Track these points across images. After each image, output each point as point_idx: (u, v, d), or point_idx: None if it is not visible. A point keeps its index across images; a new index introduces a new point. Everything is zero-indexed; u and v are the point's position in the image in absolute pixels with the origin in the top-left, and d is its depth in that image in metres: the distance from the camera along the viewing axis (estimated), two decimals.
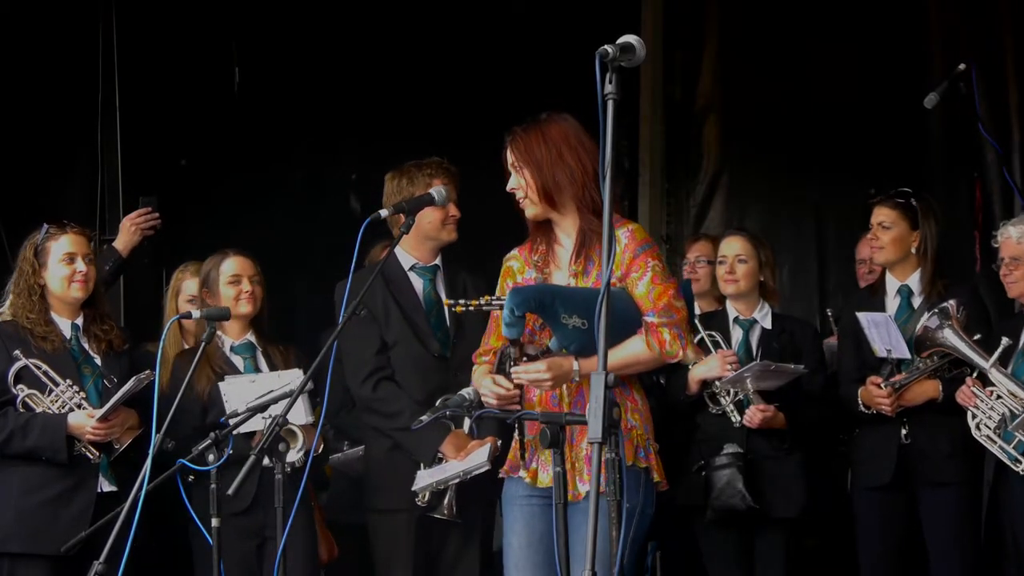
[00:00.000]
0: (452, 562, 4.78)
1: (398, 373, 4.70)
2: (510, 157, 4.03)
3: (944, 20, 6.69)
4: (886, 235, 5.07)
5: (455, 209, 4.79)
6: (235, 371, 4.84)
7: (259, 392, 4.35)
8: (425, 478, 4.57)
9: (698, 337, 5.04)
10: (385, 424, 4.73)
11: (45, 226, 4.71)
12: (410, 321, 4.78)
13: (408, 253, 4.85)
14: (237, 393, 4.54)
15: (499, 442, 4.52)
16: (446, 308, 4.78)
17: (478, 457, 4.46)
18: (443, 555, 4.78)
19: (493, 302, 4.06)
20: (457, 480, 4.53)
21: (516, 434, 3.96)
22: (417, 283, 4.86)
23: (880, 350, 5.00)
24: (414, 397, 4.70)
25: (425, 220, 4.63)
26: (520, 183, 3.99)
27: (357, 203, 6.81)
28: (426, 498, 4.62)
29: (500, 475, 4.12)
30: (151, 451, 3.79)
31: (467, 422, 4.64)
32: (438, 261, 4.90)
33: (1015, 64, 6.58)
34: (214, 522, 4.27)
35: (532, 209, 4.02)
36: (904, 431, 4.96)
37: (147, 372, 4.44)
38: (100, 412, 4.49)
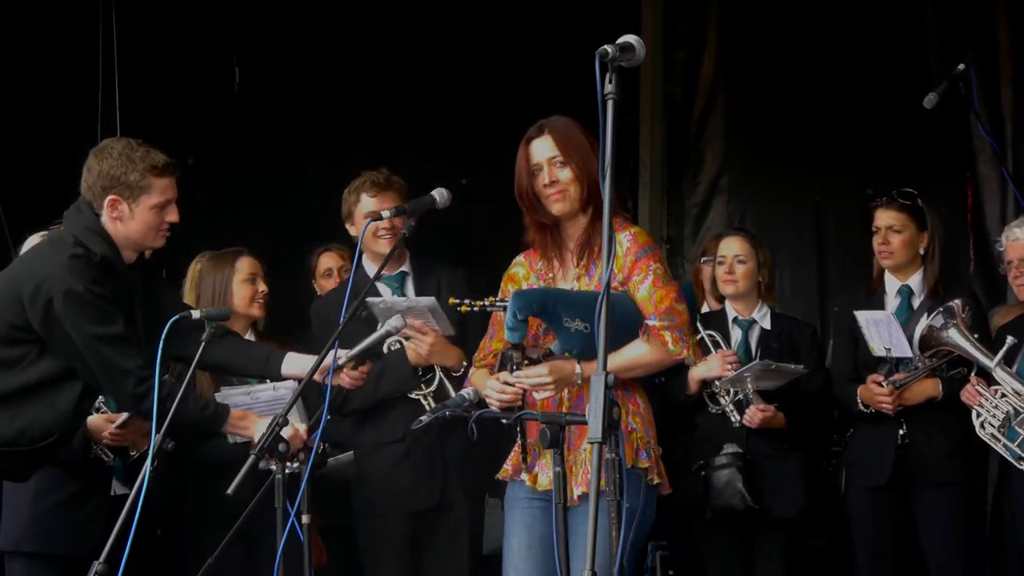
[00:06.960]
0: (439, 563, 4.79)
1: None
2: (553, 150, 3.94)
3: (942, 20, 6.69)
4: (896, 238, 5.02)
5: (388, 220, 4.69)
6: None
7: (252, 404, 4.37)
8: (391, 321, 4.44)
9: (698, 337, 5.02)
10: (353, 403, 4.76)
11: None
12: (372, 327, 4.77)
13: (371, 263, 4.80)
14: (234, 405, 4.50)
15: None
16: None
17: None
18: (430, 555, 4.79)
19: (496, 304, 4.02)
20: (407, 306, 4.51)
21: (518, 438, 3.96)
22: (385, 291, 4.82)
23: (879, 349, 4.98)
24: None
25: (367, 232, 4.57)
26: (564, 177, 3.93)
27: None
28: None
29: (498, 477, 4.12)
30: (151, 451, 3.78)
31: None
32: (406, 267, 4.87)
33: (1011, 63, 6.59)
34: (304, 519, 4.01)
35: (567, 206, 3.96)
36: (902, 431, 4.94)
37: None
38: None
